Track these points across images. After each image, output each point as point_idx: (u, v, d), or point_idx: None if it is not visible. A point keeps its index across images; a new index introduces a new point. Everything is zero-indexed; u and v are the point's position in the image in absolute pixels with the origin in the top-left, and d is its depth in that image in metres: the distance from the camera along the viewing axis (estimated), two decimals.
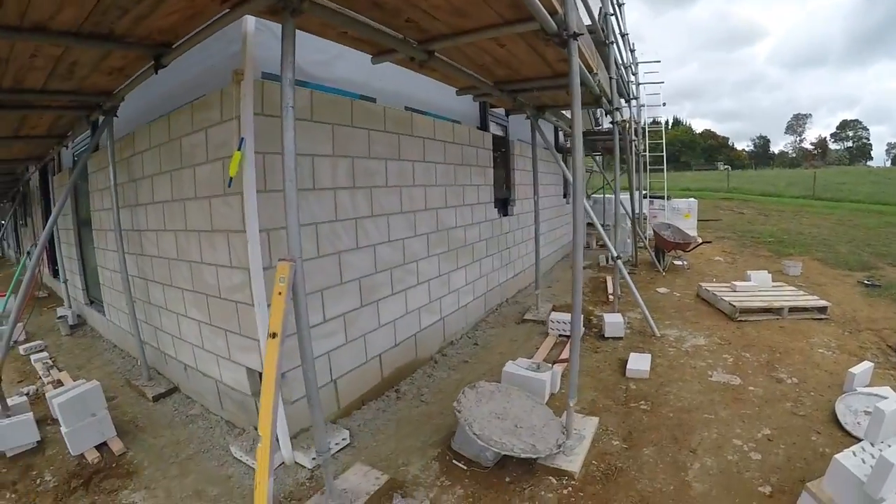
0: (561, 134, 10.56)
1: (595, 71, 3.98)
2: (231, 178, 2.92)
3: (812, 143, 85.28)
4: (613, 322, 5.13)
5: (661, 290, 7.32)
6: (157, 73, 3.32)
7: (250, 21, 2.88)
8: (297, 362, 3.29)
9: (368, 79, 3.95)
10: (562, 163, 6.11)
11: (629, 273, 8.60)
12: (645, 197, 13.05)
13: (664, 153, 12.63)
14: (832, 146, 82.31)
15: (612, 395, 3.87)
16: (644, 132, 13.69)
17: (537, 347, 4.94)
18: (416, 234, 4.46)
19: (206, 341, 3.79)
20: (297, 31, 2.85)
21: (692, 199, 12.78)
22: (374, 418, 3.71)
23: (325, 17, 2.45)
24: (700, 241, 9.89)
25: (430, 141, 4.67)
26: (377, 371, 4.07)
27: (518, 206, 7.18)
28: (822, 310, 5.71)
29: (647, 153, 13.60)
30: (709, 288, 6.59)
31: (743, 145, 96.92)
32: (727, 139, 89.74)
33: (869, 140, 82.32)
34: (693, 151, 78.18)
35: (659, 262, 8.94)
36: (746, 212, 19.82)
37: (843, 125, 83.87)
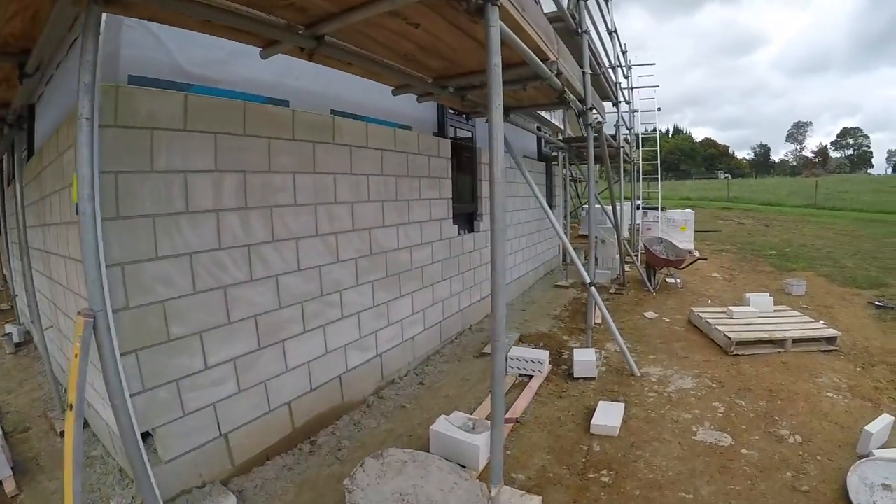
0: (544, 142, 9.86)
1: (552, 59, 3.26)
2: (76, 204, 2.28)
3: (813, 151, 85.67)
4: (583, 360, 4.36)
5: (649, 314, 6.56)
6: (21, 83, 2.91)
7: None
8: (173, 415, 2.66)
9: (281, 78, 3.28)
10: (528, 176, 5.39)
11: (616, 293, 7.96)
12: (638, 208, 12.34)
13: (658, 161, 11.85)
14: (833, 154, 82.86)
15: (568, 461, 3.11)
16: (638, 139, 12.99)
17: (491, 390, 4.17)
18: (338, 260, 3.72)
19: (95, 380, 3.14)
20: (172, 28, 2.30)
21: (689, 210, 12.02)
22: (275, 478, 3.02)
23: (157, 3, 1.81)
24: (696, 256, 9.18)
25: (361, 149, 3.94)
26: (286, 420, 3.34)
27: (487, 220, 6.42)
28: (831, 340, 4.96)
29: (641, 161, 12.91)
30: (701, 314, 5.81)
31: (744, 153, 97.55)
32: (728, 147, 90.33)
33: (870, 147, 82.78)
34: (693, 160, 78.21)
35: (650, 280, 8.18)
36: (747, 222, 19.11)
37: (844, 133, 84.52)
